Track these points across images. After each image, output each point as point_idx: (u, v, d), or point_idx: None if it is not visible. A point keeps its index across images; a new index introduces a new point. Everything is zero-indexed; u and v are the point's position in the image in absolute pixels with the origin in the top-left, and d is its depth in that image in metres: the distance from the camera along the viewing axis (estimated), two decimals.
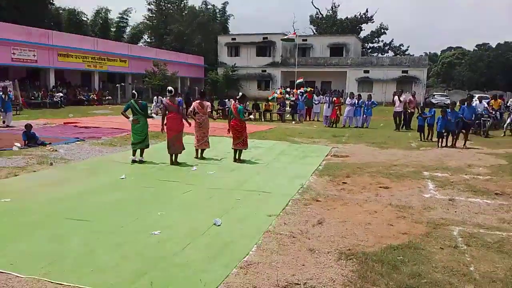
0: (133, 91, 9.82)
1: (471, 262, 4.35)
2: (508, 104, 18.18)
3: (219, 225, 5.32)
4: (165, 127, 9.39)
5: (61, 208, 5.95)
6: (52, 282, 3.71)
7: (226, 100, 22.91)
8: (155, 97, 25.14)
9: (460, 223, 5.65)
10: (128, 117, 9.41)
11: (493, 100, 18.89)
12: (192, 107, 10.19)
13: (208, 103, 10.30)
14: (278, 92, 26.40)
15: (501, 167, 9.72)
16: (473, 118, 13.83)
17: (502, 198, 6.96)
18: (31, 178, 7.73)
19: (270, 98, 25.50)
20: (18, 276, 3.81)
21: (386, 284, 3.81)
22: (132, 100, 9.40)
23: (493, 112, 17.56)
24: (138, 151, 9.41)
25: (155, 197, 6.71)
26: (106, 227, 5.19)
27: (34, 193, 6.66)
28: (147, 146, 9.59)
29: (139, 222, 5.44)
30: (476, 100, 17.11)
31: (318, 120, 21.81)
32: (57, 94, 28.17)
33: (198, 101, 10.12)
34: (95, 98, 32.52)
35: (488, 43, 73.45)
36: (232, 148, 9.88)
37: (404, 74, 44.24)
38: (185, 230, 5.15)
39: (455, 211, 6.18)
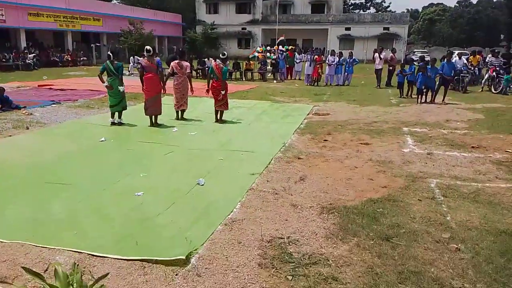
0: (108, 52, 9.41)
1: (448, 212, 4.52)
2: (486, 60, 18.31)
3: (202, 185, 5.34)
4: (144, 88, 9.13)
5: (40, 172, 5.85)
6: (36, 246, 3.69)
7: (206, 59, 22.39)
8: (132, 57, 24.41)
9: (437, 175, 5.81)
10: (103, 81, 9.05)
11: (472, 56, 19.03)
12: (170, 67, 9.90)
13: (187, 63, 10.00)
14: (259, 51, 25.90)
15: (478, 122, 9.95)
16: (452, 74, 13.96)
17: (478, 151, 7.17)
18: (7, 143, 7.53)
19: (250, 56, 25.05)
20: (1, 242, 3.77)
21: (367, 235, 3.94)
22: (107, 61, 9.07)
23: (472, 68, 17.74)
24: (117, 113, 9.22)
25: (136, 159, 6.65)
26: (88, 190, 5.15)
27: (11, 158, 6.51)
28: (125, 108, 9.35)
29: (121, 184, 5.41)
30: (455, 57, 17.20)
31: (299, 79, 21.66)
32: (30, 56, 27.01)
33: (177, 61, 9.83)
34: (69, 59, 31.32)
35: (470, 0, 73.14)
36: (214, 109, 9.75)
37: (385, 31, 43.89)
38: (168, 191, 5.16)
39: (433, 165, 6.34)
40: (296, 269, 3.37)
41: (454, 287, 3.11)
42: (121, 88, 9.07)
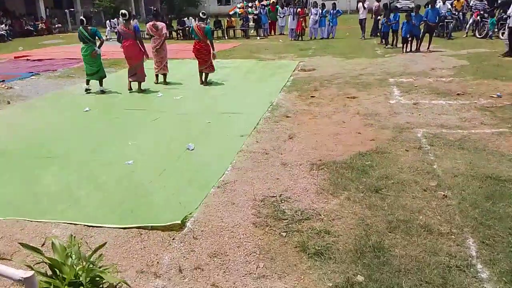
0: (81, 17, 8.97)
1: (434, 160, 4.62)
2: (470, 4, 18.08)
3: (192, 150, 5.35)
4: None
5: (27, 147, 5.78)
6: (31, 221, 3.71)
7: (185, 19, 21.71)
8: (108, 21, 23.54)
9: (424, 125, 5.89)
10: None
11: (456, 1, 18.74)
12: (146, 30, 9.49)
13: (163, 24, 9.64)
14: (240, 7, 25.13)
15: (462, 68, 9.98)
16: (436, 21, 13.79)
17: (464, 98, 7.24)
18: None
19: (231, 13, 24.34)
20: None
21: (356, 188, 4.03)
22: (80, 27, 8.68)
23: (456, 13, 17.53)
24: (97, 82, 8.96)
25: (123, 127, 6.58)
26: (78, 162, 5.12)
27: None
28: (104, 76, 9.07)
29: (110, 154, 5.38)
30: (439, 2, 16.94)
31: (283, 34, 21.23)
32: (2, 26, 25.85)
33: (151, 23, 9.46)
34: (44, 27, 30.05)
35: None
36: (199, 71, 9.55)
37: None
38: (158, 157, 5.16)
39: (419, 114, 6.41)
40: (290, 225, 3.46)
41: (442, 232, 3.24)
42: (98, 51, 8.76)
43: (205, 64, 9.38)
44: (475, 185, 3.97)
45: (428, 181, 4.11)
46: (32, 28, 29.14)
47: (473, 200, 3.67)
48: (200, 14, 9.41)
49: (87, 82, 9.01)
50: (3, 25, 26.20)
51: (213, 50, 9.25)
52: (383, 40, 14.68)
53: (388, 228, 3.33)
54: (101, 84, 9.03)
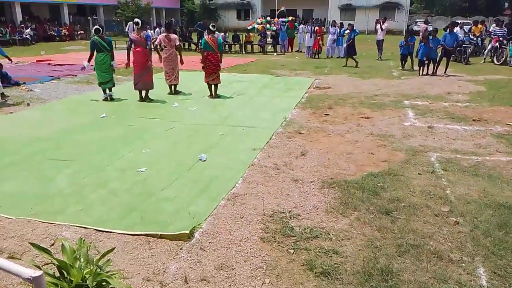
0: (97, 26, 9.13)
1: (448, 185, 4.57)
2: (490, 30, 18.00)
3: (204, 161, 5.38)
4: (131, 62, 9.00)
5: (44, 149, 5.89)
6: (43, 222, 3.77)
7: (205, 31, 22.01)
8: (128, 28, 23.81)
9: (438, 149, 5.84)
10: (89, 60, 8.95)
11: (474, 26, 18.69)
12: (158, 40, 9.68)
13: (175, 36, 9.83)
14: (259, 22, 25.46)
15: (479, 94, 9.90)
16: (454, 45, 13.76)
17: (479, 124, 7.17)
18: (9, 120, 7.55)
19: (249, 28, 24.65)
20: (8, 218, 3.85)
21: (367, 209, 4.00)
22: (95, 36, 8.82)
23: (474, 39, 17.47)
24: (107, 88, 9.17)
25: (138, 134, 6.66)
26: (92, 166, 5.20)
27: (14, 135, 6.54)
28: (114, 85, 9.33)
29: (124, 160, 5.45)
30: (456, 27, 16.92)
31: (300, 51, 21.38)
32: (27, 31, 26.58)
33: (164, 34, 9.65)
34: (67, 33, 30.86)
35: None
36: (207, 83, 9.56)
37: (387, 0, 42.93)
38: (171, 166, 5.21)
39: (434, 138, 6.36)
40: (298, 242, 3.44)
41: (452, 260, 3.19)
42: (113, 63, 9.00)
43: (214, 75, 9.45)
44: (488, 213, 3.91)
45: (440, 207, 4.06)
46: (55, 33, 29.91)
47: (485, 228, 3.61)
48: (210, 26, 9.54)
49: (104, 91, 9.19)
50: (28, 29, 26.95)
51: (221, 62, 9.41)
52: (403, 62, 14.66)
53: (397, 252, 3.29)
54: (110, 90, 9.25)
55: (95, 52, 8.92)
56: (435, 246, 3.36)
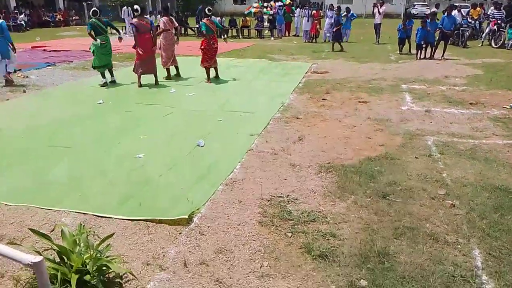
0: (94, 8, 9.08)
1: (444, 169, 4.60)
2: (488, 13, 17.85)
3: (202, 146, 5.39)
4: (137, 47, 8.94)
5: (41, 136, 5.88)
6: (42, 208, 3.78)
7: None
8: (125, 13, 23.56)
9: (435, 133, 5.86)
10: (95, 39, 8.82)
11: (472, 9, 18.53)
12: (162, 24, 9.59)
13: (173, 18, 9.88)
14: (255, 6, 25.16)
15: (476, 77, 9.89)
16: (452, 29, 13.67)
17: (476, 108, 7.19)
18: (6, 107, 7.51)
19: (246, 12, 24.39)
20: (7, 205, 3.86)
21: (364, 193, 4.03)
22: (94, 19, 8.77)
23: (472, 22, 17.34)
24: (108, 72, 9.13)
25: (135, 121, 6.65)
26: (89, 153, 5.20)
27: (11, 122, 6.52)
28: (112, 66, 9.32)
29: (122, 147, 5.45)
30: (455, 10, 16.76)
31: (297, 35, 21.20)
32: (21, 16, 26.21)
33: (168, 17, 9.60)
34: (61, 19, 30.46)
35: None
36: (206, 67, 9.52)
37: None
38: (169, 153, 5.21)
39: (431, 122, 6.38)
40: (295, 226, 3.48)
41: (448, 242, 3.24)
42: (121, 35, 9.15)
43: (215, 57, 9.55)
44: (484, 195, 3.95)
45: (437, 190, 4.10)
46: (49, 19, 29.53)
47: (481, 211, 3.65)
48: (206, 10, 9.48)
49: (103, 75, 9.12)
50: (22, 15, 26.58)
51: (226, 35, 9.47)
52: (400, 46, 14.57)
53: (394, 235, 3.33)
54: (112, 75, 9.19)
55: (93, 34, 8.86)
56: (431, 229, 3.40)
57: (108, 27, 8.98)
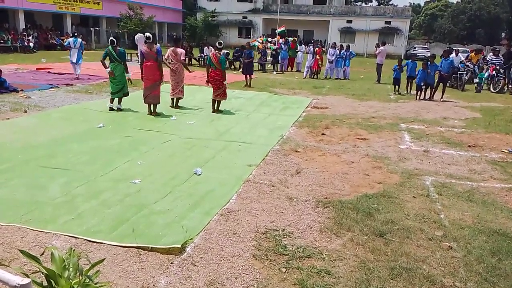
0: (111, 38, 9.40)
1: (442, 210, 4.56)
2: (487, 58, 18.29)
3: (199, 175, 5.36)
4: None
5: (38, 156, 5.85)
6: (33, 230, 3.72)
7: (205, 47, 22.23)
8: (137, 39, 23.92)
9: (433, 173, 5.86)
10: (106, 67, 9.09)
11: (473, 54, 18.98)
12: (166, 54, 9.82)
13: (182, 50, 9.93)
14: (260, 41, 25.73)
15: (475, 120, 10.00)
16: (449, 71, 13.93)
17: (474, 150, 7.22)
18: (5, 126, 7.51)
19: (252, 44, 24.89)
20: None
21: (361, 230, 3.98)
22: (109, 47, 9.06)
23: (471, 66, 17.72)
24: (117, 98, 9.24)
25: (134, 146, 6.65)
26: (85, 176, 5.16)
27: (9, 141, 6.50)
28: (126, 94, 9.40)
29: (118, 171, 5.42)
30: (452, 54, 17.18)
31: (299, 71, 21.56)
32: (29, 38, 26.72)
33: (172, 48, 9.79)
34: None
35: None
36: (212, 99, 9.73)
37: (387, 25, 43.65)
38: (165, 179, 5.18)
39: (429, 162, 6.39)
40: (290, 261, 3.41)
41: (445, 285, 3.17)
42: (127, 75, 9.26)
43: (218, 91, 9.58)
44: (481, 239, 3.90)
45: (434, 231, 4.05)
46: (56, 42, 30.07)
47: (478, 254, 3.60)
48: (217, 44, 9.75)
49: (111, 101, 9.28)
50: (30, 37, 27.10)
51: (225, 79, 9.55)
52: (396, 86, 14.80)
53: (390, 275, 3.26)
54: (119, 102, 9.29)
55: (108, 62, 9.15)
56: (428, 270, 3.33)
57: (120, 58, 9.12)
